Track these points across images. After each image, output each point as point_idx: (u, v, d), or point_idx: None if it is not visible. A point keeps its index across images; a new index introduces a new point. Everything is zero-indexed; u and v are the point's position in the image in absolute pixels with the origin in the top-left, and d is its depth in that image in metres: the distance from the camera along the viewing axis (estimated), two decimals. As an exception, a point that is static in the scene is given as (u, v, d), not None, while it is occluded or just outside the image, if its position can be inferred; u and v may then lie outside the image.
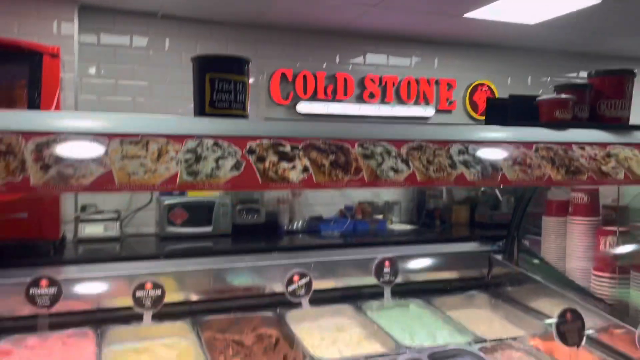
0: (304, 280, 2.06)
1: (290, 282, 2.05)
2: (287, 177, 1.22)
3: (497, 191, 4.95)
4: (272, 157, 1.24)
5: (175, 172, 1.14)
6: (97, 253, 3.87)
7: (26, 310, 1.87)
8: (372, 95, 5.23)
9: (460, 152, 1.45)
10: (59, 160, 1.05)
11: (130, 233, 4.51)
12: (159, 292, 1.91)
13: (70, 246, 4.09)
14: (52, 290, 1.80)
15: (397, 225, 5.10)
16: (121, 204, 4.51)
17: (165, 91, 4.68)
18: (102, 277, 2.01)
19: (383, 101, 5.29)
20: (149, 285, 1.91)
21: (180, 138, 1.21)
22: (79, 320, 1.93)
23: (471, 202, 5.18)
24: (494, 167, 1.43)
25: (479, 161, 1.44)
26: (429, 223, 5.09)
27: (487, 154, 1.46)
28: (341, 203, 5.15)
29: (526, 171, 1.44)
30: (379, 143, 1.39)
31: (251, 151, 1.24)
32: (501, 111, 1.83)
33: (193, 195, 4.44)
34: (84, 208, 4.36)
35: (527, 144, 1.54)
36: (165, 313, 1.97)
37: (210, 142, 1.22)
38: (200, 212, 4.39)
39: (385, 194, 5.37)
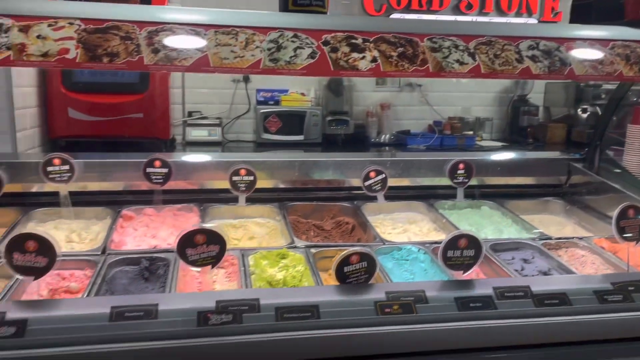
0: (379, 177, 2.24)
1: (367, 177, 2.24)
2: (356, 66, 1.36)
3: (597, 108, 4.68)
4: (344, 48, 1.38)
5: (259, 58, 1.32)
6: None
7: (143, 186, 2.25)
8: (469, 6, 5.01)
9: (529, 48, 1.49)
10: (166, 45, 1.28)
11: (231, 139, 4.91)
12: (251, 177, 2.19)
13: (178, 147, 4.58)
14: (165, 170, 2.14)
15: (487, 142, 5.05)
16: (223, 112, 4.89)
17: None
18: (205, 163, 2.32)
19: (481, 12, 5.06)
20: (243, 172, 2.19)
21: (264, 30, 1.38)
22: (185, 198, 2.27)
23: (569, 120, 4.96)
24: (563, 62, 1.46)
25: (548, 56, 1.47)
26: (521, 141, 4.98)
27: (558, 49, 1.49)
28: (430, 118, 5.17)
29: (596, 67, 1.46)
30: (448, 38, 1.47)
31: (326, 42, 1.39)
32: (586, 11, 1.80)
33: (287, 106, 4.70)
34: (190, 114, 4.79)
35: (604, 41, 1.53)
36: (257, 198, 2.26)
37: (290, 34, 1.38)
38: (293, 121, 4.65)
39: (476, 110, 5.29)
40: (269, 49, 1.34)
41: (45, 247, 1.30)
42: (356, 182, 2.35)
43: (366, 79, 5.07)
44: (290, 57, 1.34)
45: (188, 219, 2.11)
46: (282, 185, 2.40)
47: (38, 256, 1.30)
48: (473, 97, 5.34)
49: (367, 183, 2.23)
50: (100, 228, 2.03)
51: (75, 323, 1.17)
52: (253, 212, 2.26)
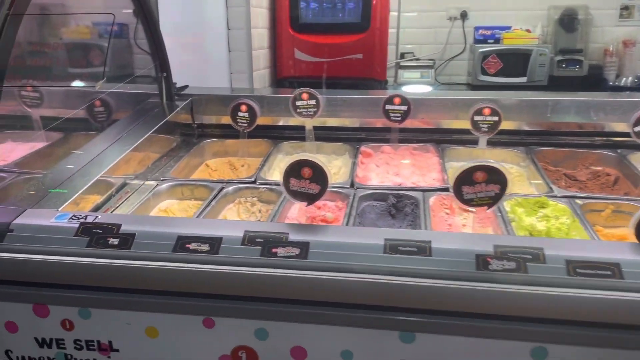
0: (656, 122, 1.87)
1: (637, 122, 1.89)
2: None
3: None
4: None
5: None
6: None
7: (378, 123, 2.23)
8: None
9: None
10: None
11: (443, 82, 4.70)
12: (495, 118, 2.01)
13: (390, 89, 4.53)
14: (403, 107, 2.07)
15: None
16: (436, 53, 4.68)
17: None
18: (443, 101, 2.20)
19: None
20: (487, 111, 2.01)
21: None
22: (421, 138, 2.19)
23: None
24: None
25: None
26: None
27: None
28: (690, 57, 4.26)
29: None
30: None
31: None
32: None
33: (509, 44, 4.28)
34: (402, 55, 4.68)
35: None
36: (497, 140, 2.08)
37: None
38: (515, 61, 4.23)
39: None
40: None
41: (318, 175, 1.33)
42: (619, 126, 2.01)
43: (608, 11, 4.36)
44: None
45: (427, 159, 2.03)
46: (525, 128, 2.17)
47: (312, 183, 1.34)
48: None
49: (637, 129, 1.88)
50: (342, 163, 2.08)
51: (353, 250, 1.17)
52: (494, 156, 2.08)
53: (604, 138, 2.11)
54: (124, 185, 1.77)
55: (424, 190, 1.72)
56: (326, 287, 1.15)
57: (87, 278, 1.21)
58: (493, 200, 1.24)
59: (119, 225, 1.27)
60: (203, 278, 1.17)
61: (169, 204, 1.81)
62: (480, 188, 1.23)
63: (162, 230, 1.28)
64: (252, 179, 1.85)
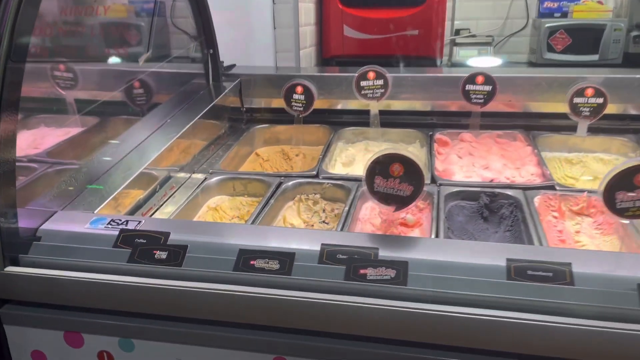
0: None
1: None
2: None
3: None
4: None
5: None
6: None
7: (453, 107, 1.94)
8: None
9: None
10: None
11: (503, 60, 4.31)
12: (600, 100, 1.69)
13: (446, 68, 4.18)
14: (488, 87, 1.77)
15: None
16: (495, 29, 4.29)
17: None
18: (530, 79, 1.87)
19: None
20: (589, 92, 1.70)
21: None
22: (505, 123, 1.89)
23: None
24: None
25: None
26: None
27: None
28: None
29: None
30: None
31: None
32: None
33: (580, 18, 3.87)
34: (457, 32, 4.31)
35: None
36: (598, 127, 1.76)
37: None
38: (586, 37, 3.82)
39: None
40: None
41: (411, 173, 1.06)
42: None
43: (694, -21, 3.88)
44: None
45: (517, 149, 1.72)
46: (632, 112, 1.83)
47: (403, 183, 1.07)
48: None
49: None
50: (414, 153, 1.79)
51: (466, 274, 0.90)
52: (595, 145, 1.77)
53: None
54: (168, 178, 1.54)
55: (525, 188, 1.43)
56: (431, 325, 0.88)
57: (128, 302, 0.98)
58: (657, 211, 0.94)
59: (167, 234, 1.04)
60: (273, 306, 0.92)
61: (219, 201, 1.57)
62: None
63: (220, 240, 1.04)
64: (314, 172, 1.59)
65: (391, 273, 0.92)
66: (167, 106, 1.84)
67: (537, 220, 1.27)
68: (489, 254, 0.94)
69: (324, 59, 3.85)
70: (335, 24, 3.64)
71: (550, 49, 3.91)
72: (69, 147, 1.77)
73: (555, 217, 1.36)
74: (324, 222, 1.47)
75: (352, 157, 1.78)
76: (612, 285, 0.86)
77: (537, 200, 1.37)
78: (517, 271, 0.90)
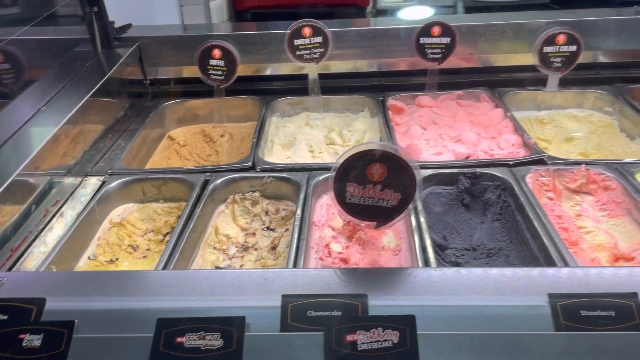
0: None
1: None
2: None
3: None
4: None
5: None
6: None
7: (402, 65, 1.64)
8: None
9: None
10: None
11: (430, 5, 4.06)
12: (573, 47, 1.46)
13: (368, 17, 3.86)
14: (445, 39, 1.47)
15: None
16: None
17: None
18: (491, 27, 1.59)
19: None
20: (561, 38, 1.45)
21: None
22: (465, 80, 1.62)
23: None
24: None
25: None
26: None
27: None
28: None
29: None
30: None
31: None
32: None
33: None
34: (381, -24, 3.98)
35: None
36: (568, 79, 1.53)
37: None
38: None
39: None
40: None
41: (397, 174, 0.75)
42: None
43: None
44: None
45: (485, 111, 1.46)
46: (602, 59, 1.62)
47: (386, 189, 0.76)
48: None
49: None
50: (365, 125, 1.48)
51: (501, 327, 0.62)
52: (567, 101, 1.55)
53: None
54: (50, 187, 1.13)
55: (511, 165, 1.17)
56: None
57: None
58: None
59: (42, 302, 0.67)
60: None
61: (125, 211, 1.19)
62: None
63: (126, 303, 0.68)
64: (249, 164, 1.24)
65: (393, 337, 0.62)
66: (43, 84, 1.39)
67: (536, 205, 1.02)
68: (527, 289, 0.66)
69: (238, 11, 3.40)
70: (248, -30, 3.19)
71: (479, -10, 3.69)
72: None
73: (550, 199, 1.12)
74: (268, 228, 1.15)
75: (293, 136, 1.44)
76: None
77: (529, 179, 1.11)
78: (568, 313, 0.63)
